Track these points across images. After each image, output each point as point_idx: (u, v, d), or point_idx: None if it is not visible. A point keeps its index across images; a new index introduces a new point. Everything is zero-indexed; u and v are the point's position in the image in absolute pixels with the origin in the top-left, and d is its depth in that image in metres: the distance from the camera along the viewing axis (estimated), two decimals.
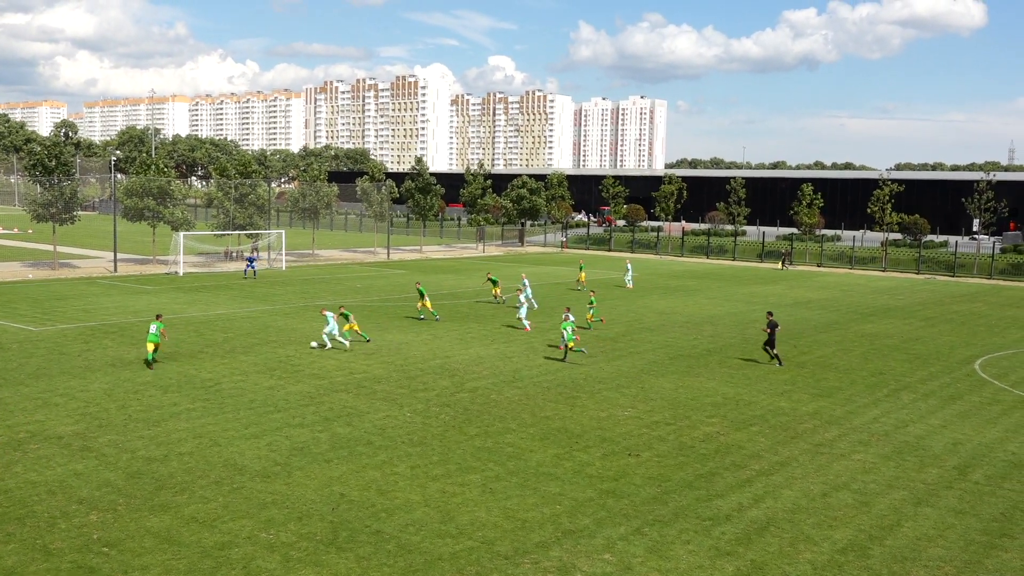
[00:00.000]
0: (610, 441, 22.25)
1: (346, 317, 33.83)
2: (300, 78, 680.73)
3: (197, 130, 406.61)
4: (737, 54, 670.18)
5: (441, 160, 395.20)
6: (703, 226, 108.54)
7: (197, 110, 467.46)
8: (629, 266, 59.03)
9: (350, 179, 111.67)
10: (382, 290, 52.21)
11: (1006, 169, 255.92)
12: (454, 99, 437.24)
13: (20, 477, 18.42)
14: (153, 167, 64.05)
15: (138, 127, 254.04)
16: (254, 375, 28.46)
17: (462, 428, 23.02)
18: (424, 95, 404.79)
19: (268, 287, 52.36)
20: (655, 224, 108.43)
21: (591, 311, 39.87)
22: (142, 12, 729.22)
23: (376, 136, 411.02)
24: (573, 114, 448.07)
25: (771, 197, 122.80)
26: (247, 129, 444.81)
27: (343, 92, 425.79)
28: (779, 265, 77.75)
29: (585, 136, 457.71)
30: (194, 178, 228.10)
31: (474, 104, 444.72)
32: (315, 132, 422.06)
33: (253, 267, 57.46)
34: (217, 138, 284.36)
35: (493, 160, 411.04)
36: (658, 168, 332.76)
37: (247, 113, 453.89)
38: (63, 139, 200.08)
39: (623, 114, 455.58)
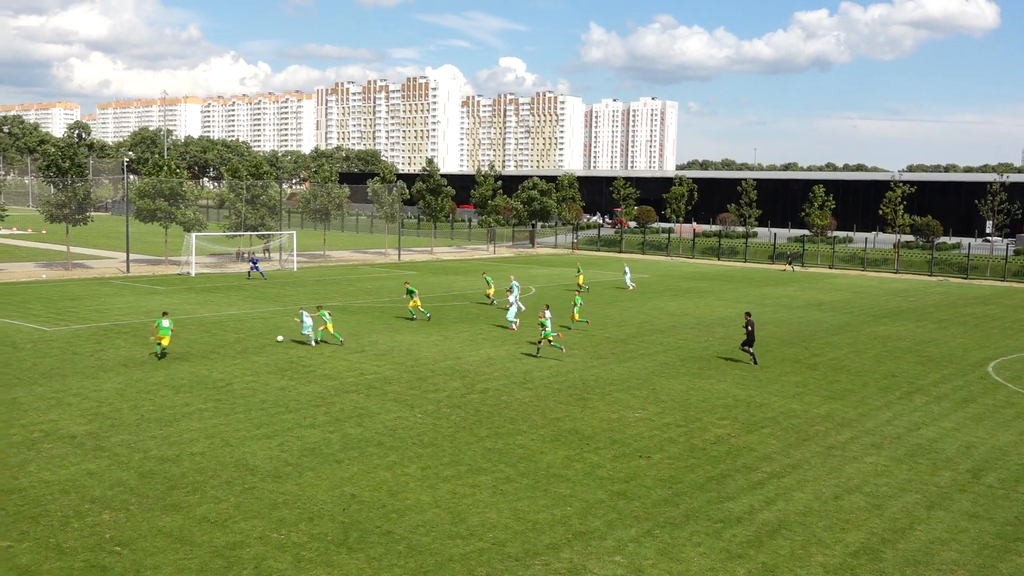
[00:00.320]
0: (621, 443, 22.22)
1: (323, 318, 34.10)
2: (312, 80, 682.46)
3: (209, 131, 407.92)
4: (748, 55, 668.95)
5: (452, 161, 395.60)
6: (714, 228, 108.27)
7: (209, 111, 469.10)
8: (627, 268, 59.13)
9: (361, 180, 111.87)
10: (393, 291, 52.25)
11: (1019, 171, 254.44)
12: (465, 100, 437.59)
13: (34, 476, 18.52)
14: (165, 168, 64.31)
15: (151, 128, 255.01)
16: (265, 376, 28.54)
17: (473, 429, 23.03)
18: (435, 96, 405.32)
19: (279, 288, 52.50)
20: (666, 226, 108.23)
21: (576, 310, 39.98)
22: (155, 14, 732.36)
23: (387, 137, 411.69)
24: (584, 115, 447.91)
25: (783, 199, 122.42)
26: (259, 130, 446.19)
27: (354, 93, 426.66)
28: (785, 267, 77.61)
29: (596, 138, 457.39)
30: (206, 179, 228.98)
31: (485, 105, 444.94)
32: (326, 133, 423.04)
33: (258, 268, 57.66)
34: (229, 139, 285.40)
35: (504, 161, 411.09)
36: (669, 170, 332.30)
37: (259, 114, 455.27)
38: (76, 140, 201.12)
39: (634, 115, 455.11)
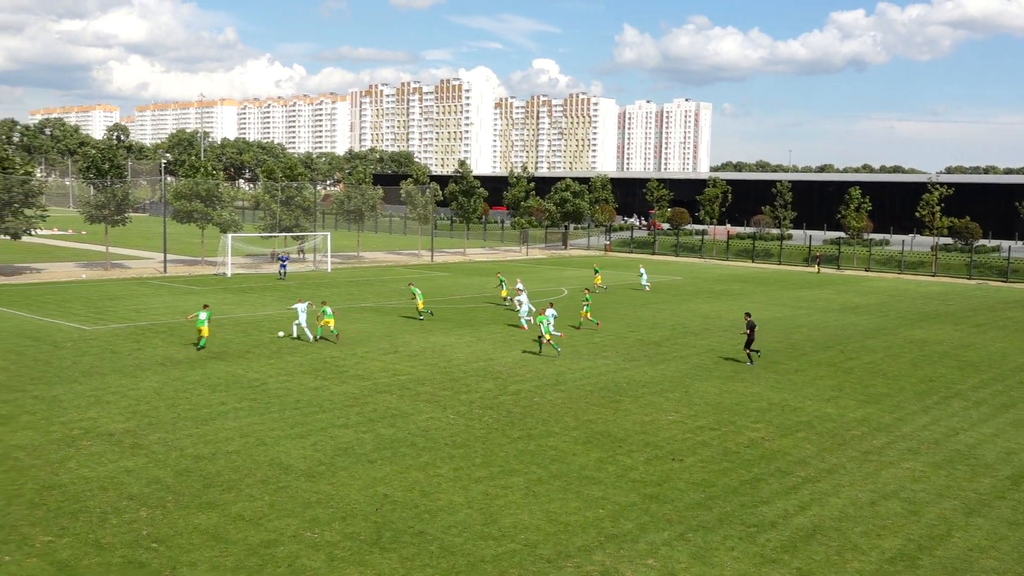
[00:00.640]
0: (653, 446, 22.13)
1: (325, 313, 34.68)
2: (346, 82, 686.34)
3: (245, 133, 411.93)
4: (784, 56, 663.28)
5: (485, 163, 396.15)
6: (748, 230, 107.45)
7: (245, 114, 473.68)
8: (643, 269, 58.92)
9: (395, 182, 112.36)
10: (426, 292, 52.36)
11: None
12: (498, 102, 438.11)
13: (74, 473, 18.81)
14: (202, 170, 65.07)
15: (188, 130, 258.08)
16: (300, 375, 28.77)
17: (505, 431, 23.05)
18: (468, 98, 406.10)
19: (313, 288, 52.87)
20: (699, 228, 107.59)
21: (585, 308, 40.06)
22: (192, 17, 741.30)
23: (420, 139, 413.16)
24: (617, 117, 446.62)
25: (818, 201, 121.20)
26: (294, 132, 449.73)
27: (388, 95, 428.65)
28: (814, 268, 76.96)
29: (629, 139, 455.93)
30: (242, 181, 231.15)
31: (518, 107, 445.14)
32: (360, 135, 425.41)
33: (285, 267, 58.16)
34: (264, 141, 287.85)
35: (536, 163, 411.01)
36: (703, 171, 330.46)
37: (294, 116, 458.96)
38: (115, 142, 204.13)
39: (667, 117, 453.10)
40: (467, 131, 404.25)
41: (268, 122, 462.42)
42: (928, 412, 26.48)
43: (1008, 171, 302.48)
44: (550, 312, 34.66)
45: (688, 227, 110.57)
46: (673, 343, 36.98)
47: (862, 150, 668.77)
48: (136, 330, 36.54)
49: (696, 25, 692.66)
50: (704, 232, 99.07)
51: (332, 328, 34.79)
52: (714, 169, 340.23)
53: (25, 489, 17.77)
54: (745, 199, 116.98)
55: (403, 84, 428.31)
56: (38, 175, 66.93)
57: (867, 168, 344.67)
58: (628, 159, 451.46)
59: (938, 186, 79.79)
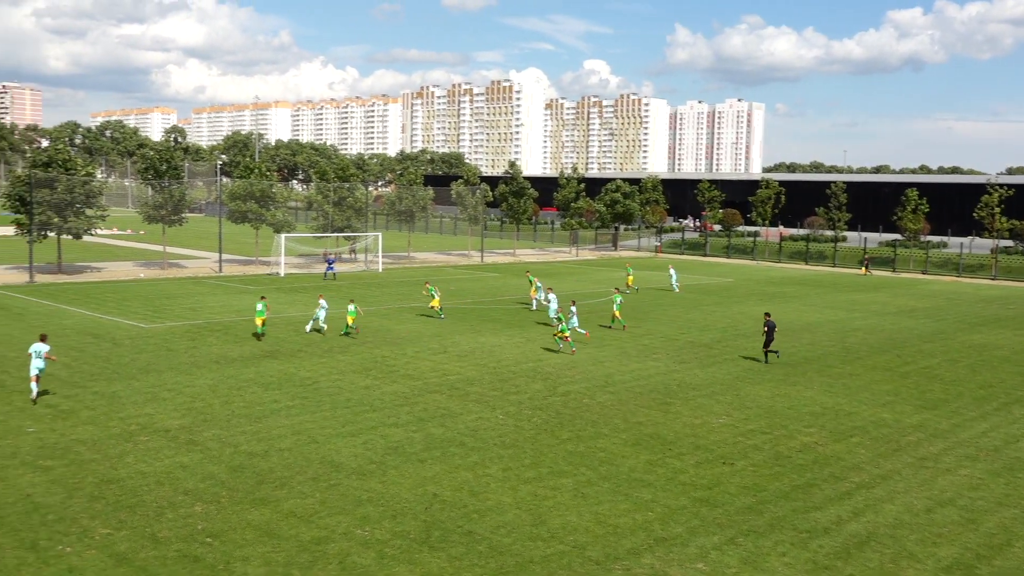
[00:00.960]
0: (704, 449, 21.96)
1: (348, 310, 36.46)
2: (398, 83, 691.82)
3: (298, 135, 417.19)
4: (839, 55, 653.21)
5: (535, 164, 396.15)
6: (802, 231, 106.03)
7: (299, 115, 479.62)
8: (672, 271, 58.43)
9: (445, 183, 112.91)
10: (475, 293, 52.63)
11: None
12: (548, 103, 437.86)
13: (131, 467, 19.22)
14: (256, 171, 66.01)
15: (242, 132, 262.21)
16: (351, 375, 29.05)
17: (554, 432, 23.04)
18: (519, 99, 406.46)
19: (365, 288, 53.36)
20: (751, 229, 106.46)
21: (616, 308, 40.22)
22: (249, 21, 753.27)
23: (471, 140, 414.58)
24: (668, 118, 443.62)
25: (873, 202, 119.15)
26: (346, 134, 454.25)
27: (439, 97, 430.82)
28: (862, 271, 75.76)
29: (680, 140, 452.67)
30: (295, 181, 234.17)
31: (568, 108, 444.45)
32: (411, 136, 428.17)
33: (332, 268, 58.72)
34: (317, 142, 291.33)
35: (587, 164, 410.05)
36: (755, 172, 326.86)
37: (346, 118, 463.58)
38: (173, 144, 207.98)
39: (719, 117, 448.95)
40: (517, 132, 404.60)
41: (321, 124, 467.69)
42: (987, 418, 25.89)
43: None
44: (572, 309, 35.94)
45: (740, 228, 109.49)
46: (724, 345, 36.64)
47: (919, 151, 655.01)
48: (192, 328, 37.21)
49: (749, 25, 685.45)
50: (756, 234, 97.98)
51: (352, 323, 36.26)
52: (767, 170, 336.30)
53: (85, 482, 18.20)
54: (798, 200, 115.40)
55: (454, 85, 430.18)
56: (99, 176, 68.44)
57: (924, 169, 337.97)
58: (679, 160, 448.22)
59: (998, 187, 78.03)
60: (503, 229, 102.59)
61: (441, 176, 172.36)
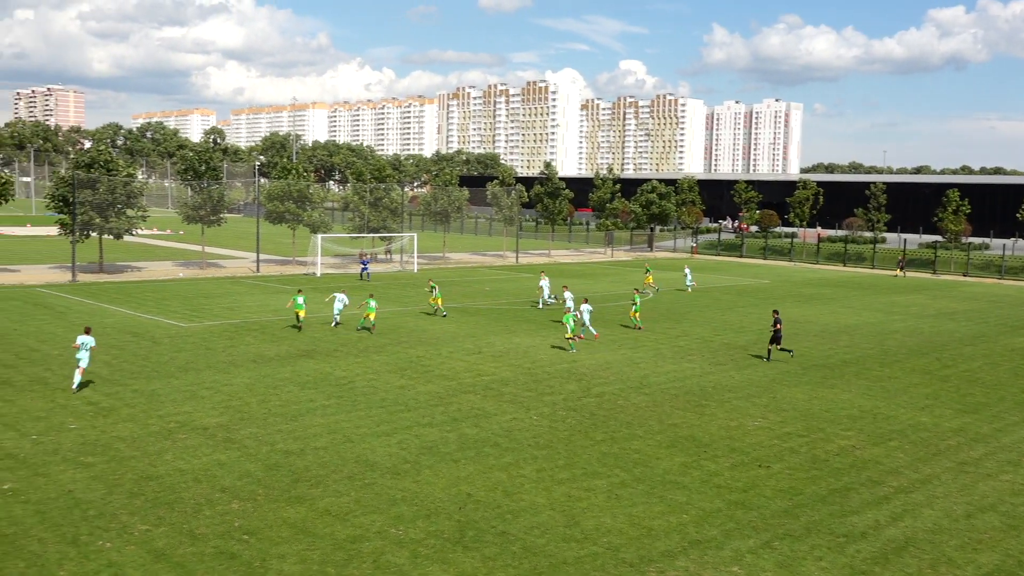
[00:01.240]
0: (739, 451, 21.80)
1: (368, 305, 37.34)
2: (434, 85, 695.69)
3: (335, 136, 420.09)
4: (879, 55, 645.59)
5: (570, 165, 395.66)
6: (840, 233, 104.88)
7: (335, 116, 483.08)
8: (688, 270, 58.88)
9: (480, 183, 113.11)
10: (510, 293, 52.66)
11: None
12: (584, 104, 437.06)
13: (170, 464, 19.48)
14: (294, 172, 66.58)
15: (280, 133, 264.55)
16: (386, 374, 29.21)
17: (588, 433, 23.00)
18: (554, 100, 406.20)
19: (400, 289, 53.62)
20: (789, 230, 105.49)
21: (634, 309, 40.37)
22: (287, 23, 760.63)
23: (506, 141, 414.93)
24: (705, 118, 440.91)
25: (913, 203, 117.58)
26: (382, 134, 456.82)
27: (475, 98, 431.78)
28: (896, 272, 74.81)
29: (717, 140, 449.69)
30: (332, 182, 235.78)
31: (604, 108, 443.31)
32: (447, 137, 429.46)
33: (366, 269, 59.02)
34: (354, 143, 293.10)
35: (622, 165, 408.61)
36: (793, 173, 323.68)
37: (382, 119, 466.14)
38: (212, 145, 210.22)
39: (756, 118, 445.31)
40: (553, 133, 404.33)
41: (357, 125, 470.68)
42: None
43: None
44: (585, 307, 37.08)
45: (777, 230, 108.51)
46: (760, 348, 36.32)
47: (960, 151, 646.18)
48: (230, 327, 37.62)
49: (787, 24, 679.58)
50: (794, 235, 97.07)
51: (372, 319, 37.22)
52: (804, 171, 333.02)
53: (125, 479, 18.48)
54: (837, 201, 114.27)
55: (490, 86, 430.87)
56: (139, 177, 69.41)
57: (966, 169, 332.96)
58: (716, 161, 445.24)
59: None
60: (538, 230, 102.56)
61: (476, 177, 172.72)
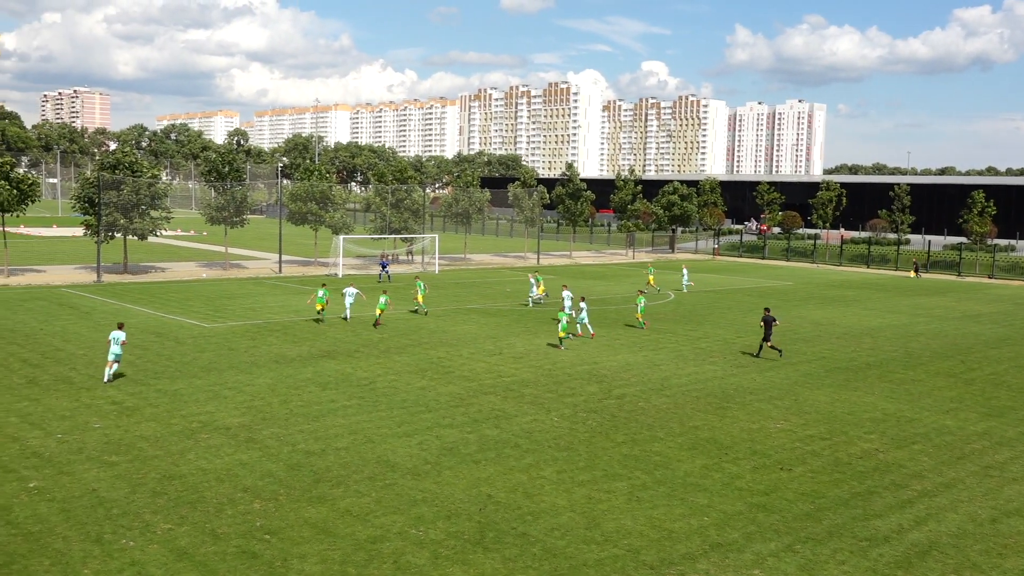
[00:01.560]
0: (761, 454, 21.68)
1: (379, 303, 39.41)
2: (456, 86, 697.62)
3: (357, 137, 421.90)
4: (903, 55, 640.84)
5: (592, 166, 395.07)
6: (863, 234, 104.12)
7: (358, 118, 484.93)
8: (685, 270, 59.27)
9: (502, 185, 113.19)
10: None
11: None
12: (606, 105, 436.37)
13: (192, 464, 19.61)
14: (316, 173, 66.89)
15: (303, 135, 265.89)
16: (407, 375, 29.28)
17: (609, 435, 22.95)
18: (576, 101, 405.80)
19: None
20: (812, 232, 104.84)
21: (639, 310, 40.61)
22: (310, 25, 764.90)
23: (528, 142, 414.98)
24: (727, 119, 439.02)
25: (938, 204, 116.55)
26: (404, 136, 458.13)
27: (496, 99, 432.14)
28: (911, 274, 74.32)
29: (739, 141, 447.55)
30: (354, 183, 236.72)
31: (626, 110, 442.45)
32: (469, 138, 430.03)
33: (387, 271, 59.13)
34: (376, 145, 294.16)
35: (644, 166, 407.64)
36: (816, 174, 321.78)
37: (404, 120, 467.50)
38: (235, 147, 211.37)
39: (779, 119, 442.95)
40: (574, 134, 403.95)
41: (380, 126, 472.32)
42: None
43: None
44: (582, 305, 37.69)
45: (800, 231, 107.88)
46: (783, 349, 36.11)
47: (986, 152, 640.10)
48: (252, 328, 37.84)
49: (811, 24, 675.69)
50: (817, 236, 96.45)
51: (378, 314, 39.21)
52: (828, 172, 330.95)
53: (148, 478, 18.62)
54: (860, 203, 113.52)
55: (511, 88, 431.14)
56: (164, 178, 69.96)
57: (992, 171, 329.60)
58: (738, 162, 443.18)
59: None
60: (559, 231, 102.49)
61: (498, 178, 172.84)
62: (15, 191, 52.16)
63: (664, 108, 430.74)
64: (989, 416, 26.20)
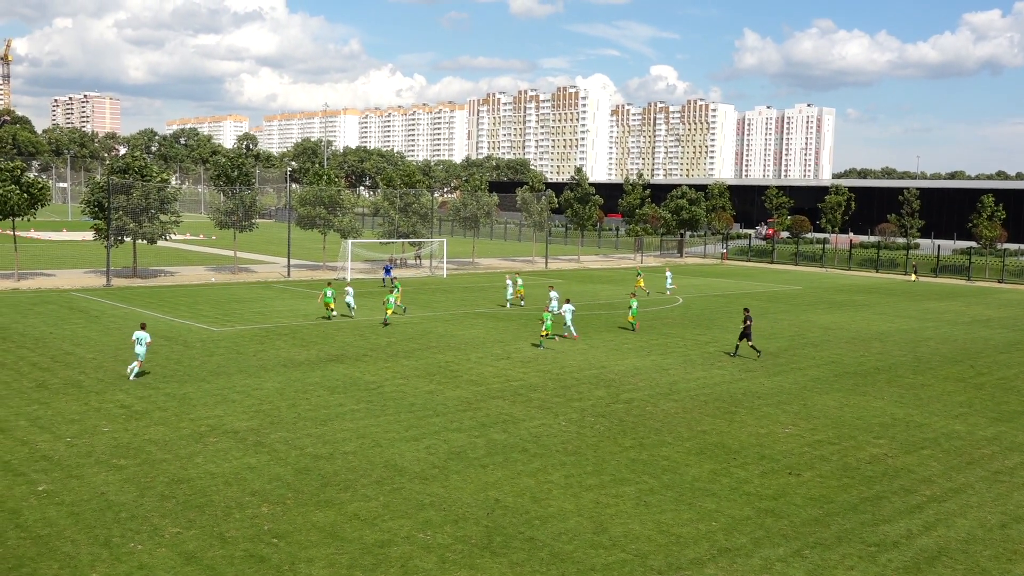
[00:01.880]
0: (769, 459, 21.63)
1: (386, 300, 41.03)
2: (464, 91, 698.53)
3: (366, 142, 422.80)
4: (913, 59, 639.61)
5: (600, 170, 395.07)
6: (872, 239, 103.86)
7: (366, 122, 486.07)
8: (668, 273, 59.93)
9: (510, 189, 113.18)
10: (539, 299, 52.59)
11: None
12: (614, 109, 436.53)
13: (200, 468, 19.65)
14: (325, 177, 67.02)
15: (312, 139, 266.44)
16: (414, 379, 29.29)
17: (617, 439, 22.92)
18: (584, 105, 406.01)
19: (430, 294, 53.77)
20: (821, 236, 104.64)
21: (631, 312, 41.03)
22: (320, 30, 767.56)
23: (536, 146, 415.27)
24: (736, 123, 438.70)
25: (947, 209, 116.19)
26: (413, 140, 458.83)
27: (505, 103, 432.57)
28: (911, 277, 74.56)
29: (748, 146, 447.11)
30: (362, 188, 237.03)
31: (634, 114, 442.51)
32: (477, 143, 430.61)
33: (390, 275, 59.14)
34: (384, 149, 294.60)
35: (653, 170, 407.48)
36: (825, 178, 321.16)
37: (413, 125, 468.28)
38: (244, 151, 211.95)
39: (788, 123, 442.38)
40: (583, 138, 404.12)
41: (388, 130, 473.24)
42: None
43: None
44: (568, 307, 38.45)
45: (809, 235, 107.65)
46: (791, 354, 36.06)
47: (996, 156, 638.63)
48: (260, 332, 37.92)
49: (820, 29, 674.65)
50: (825, 241, 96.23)
51: (387, 314, 40.60)
52: (837, 176, 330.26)
53: (156, 482, 18.67)
54: (869, 207, 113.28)
55: (520, 92, 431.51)
56: (173, 182, 70.21)
57: (1002, 175, 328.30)
58: (747, 166, 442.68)
59: None
60: (568, 235, 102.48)
61: (506, 182, 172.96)
62: (26, 195, 52.38)
63: (673, 112, 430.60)
64: (999, 421, 26.08)
